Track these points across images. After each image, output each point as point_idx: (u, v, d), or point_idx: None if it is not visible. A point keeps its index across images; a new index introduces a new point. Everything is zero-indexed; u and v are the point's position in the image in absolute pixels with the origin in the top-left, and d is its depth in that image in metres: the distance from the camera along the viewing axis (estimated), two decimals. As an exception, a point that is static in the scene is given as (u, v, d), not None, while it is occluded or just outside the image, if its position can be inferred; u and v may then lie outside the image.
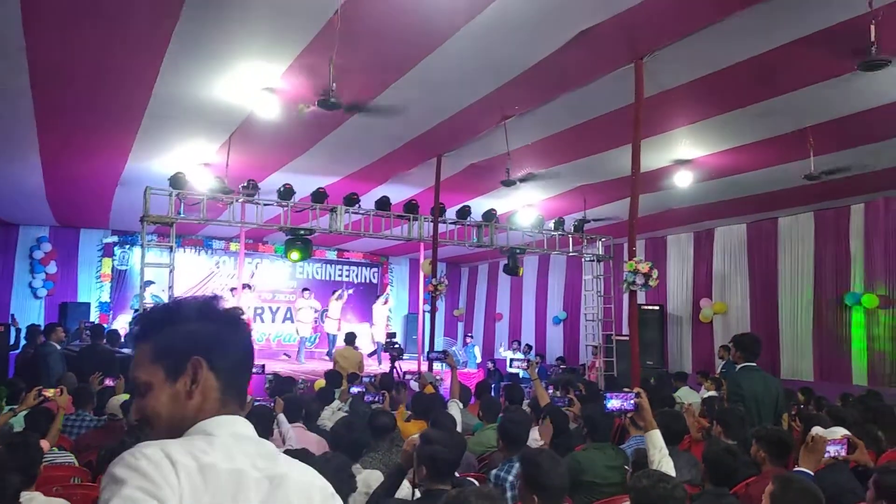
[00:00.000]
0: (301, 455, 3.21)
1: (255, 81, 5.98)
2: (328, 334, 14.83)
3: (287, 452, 3.40)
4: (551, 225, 11.45)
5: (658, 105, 6.30)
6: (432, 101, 6.59)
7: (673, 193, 9.42)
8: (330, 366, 10.39)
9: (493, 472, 3.65)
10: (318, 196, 9.60)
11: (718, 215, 11.10)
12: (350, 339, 9.92)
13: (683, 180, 8.43)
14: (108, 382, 6.17)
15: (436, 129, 7.36)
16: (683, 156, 8.04)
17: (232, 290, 13.44)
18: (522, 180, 9.07)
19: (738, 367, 5.23)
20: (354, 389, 6.65)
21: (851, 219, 9.93)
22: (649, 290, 8.92)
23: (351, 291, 16.94)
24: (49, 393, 4.86)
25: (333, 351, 9.58)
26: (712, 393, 7.99)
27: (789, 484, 2.61)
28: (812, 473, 3.15)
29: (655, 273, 5.61)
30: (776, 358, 10.52)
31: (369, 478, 3.33)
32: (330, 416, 5.74)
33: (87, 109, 6.77)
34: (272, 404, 4.81)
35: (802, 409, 6.13)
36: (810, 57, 5.38)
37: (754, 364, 5.13)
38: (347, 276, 17.60)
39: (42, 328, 9.90)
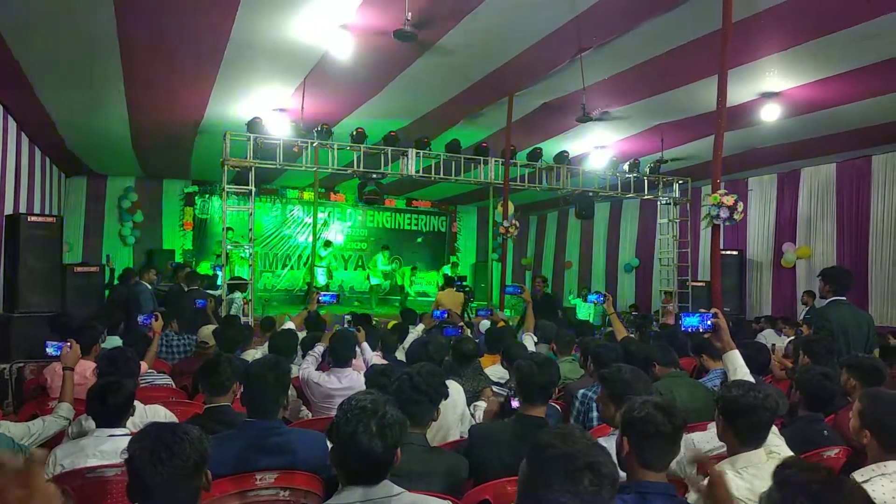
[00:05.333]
0: (387, 370, 3.32)
1: (331, 18, 5.97)
2: (402, 286, 15.17)
3: (372, 366, 3.56)
4: (625, 167, 11.14)
5: (746, 30, 5.94)
6: (506, 33, 6.41)
7: (757, 131, 8.96)
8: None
9: (581, 391, 3.69)
10: (390, 140, 9.64)
11: (806, 154, 10.51)
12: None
13: (770, 115, 7.96)
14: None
15: (509, 65, 7.19)
16: (771, 88, 7.59)
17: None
18: (597, 119, 8.81)
19: (827, 301, 5.01)
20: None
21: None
22: (730, 229, 8.59)
23: (420, 241, 17.17)
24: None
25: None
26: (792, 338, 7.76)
27: (879, 398, 2.45)
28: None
29: (741, 206, 5.36)
30: (864, 303, 10.05)
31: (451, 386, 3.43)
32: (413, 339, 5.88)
33: (169, 56, 6.95)
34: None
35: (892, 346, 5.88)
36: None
37: (843, 298, 4.90)
38: (416, 225, 17.78)
39: (136, 269, 10.52)
